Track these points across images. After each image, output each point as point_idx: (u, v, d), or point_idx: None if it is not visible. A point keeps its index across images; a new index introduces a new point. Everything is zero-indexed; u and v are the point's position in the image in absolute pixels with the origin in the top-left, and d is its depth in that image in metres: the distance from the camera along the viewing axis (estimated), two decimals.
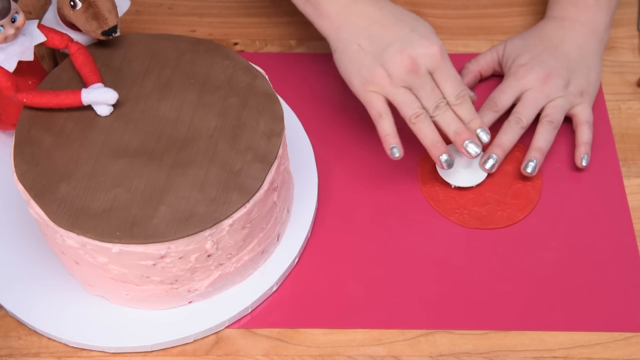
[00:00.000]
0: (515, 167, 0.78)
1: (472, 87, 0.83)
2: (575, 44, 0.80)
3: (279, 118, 0.67)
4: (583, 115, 0.78)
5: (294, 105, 0.81)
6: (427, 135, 0.72)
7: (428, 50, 0.70)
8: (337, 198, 0.76)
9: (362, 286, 0.71)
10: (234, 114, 0.67)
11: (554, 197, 0.77)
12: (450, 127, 0.72)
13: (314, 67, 0.85)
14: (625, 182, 0.78)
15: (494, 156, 0.76)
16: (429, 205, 0.76)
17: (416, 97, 0.71)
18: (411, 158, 0.79)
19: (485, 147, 0.76)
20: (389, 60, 0.71)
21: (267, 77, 0.70)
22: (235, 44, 0.88)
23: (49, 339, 0.69)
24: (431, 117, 0.72)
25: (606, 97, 0.83)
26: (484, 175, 0.76)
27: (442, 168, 0.73)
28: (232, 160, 0.65)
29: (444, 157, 0.72)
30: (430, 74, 0.71)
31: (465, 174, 0.76)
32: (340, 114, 0.82)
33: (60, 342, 0.68)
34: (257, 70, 0.70)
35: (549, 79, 0.77)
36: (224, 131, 0.66)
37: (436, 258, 0.73)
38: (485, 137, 0.72)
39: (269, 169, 0.65)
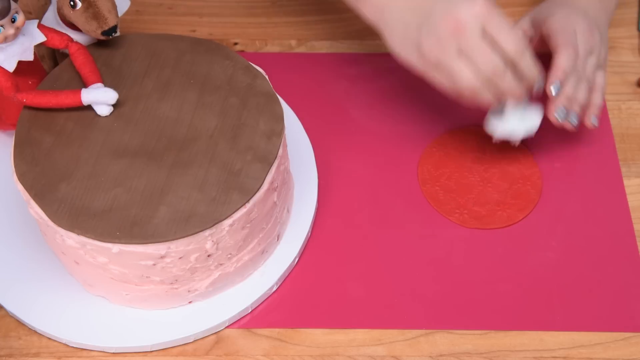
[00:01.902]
0: (515, 167, 0.78)
1: None
2: (594, 12, 0.78)
3: (279, 118, 0.67)
4: (601, 81, 0.76)
5: (294, 105, 0.81)
6: (487, 102, 0.69)
7: (470, 8, 0.66)
8: (337, 198, 0.76)
9: (362, 286, 0.72)
10: (234, 114, 0.67)
11: (554, 197, 0.77)
12: (510, 92, 0.69)
13: (314, 67, 0.85)
14: (625, 182, 0.78)
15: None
16: (429, 205, 0.76)
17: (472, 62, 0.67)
18: (411, 158, 0.79)
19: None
20: (434, 28, 0.67)
21: (267, 77, 0.70)
22: (235, 44, 0.88)
23: (49, 339, 0.69)
24: (490, 85, 0.68)
25: (606, 97, 0.83)
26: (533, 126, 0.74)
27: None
28: (232, 160, 0.65)
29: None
30: (484, 32, 0.67)
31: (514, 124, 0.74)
32: (340, 114, 0.82)
33: (60, 342, 0.68)
34: (257, 70, 0.70)
35: (592, 31, 0.75)
36: (224, 131, 0.66)
37: (436, 258, 0.73)
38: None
39: (269, 169, 0.65)
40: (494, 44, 0.67)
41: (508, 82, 0.68)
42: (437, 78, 0.69)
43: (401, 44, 0.70)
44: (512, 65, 0.68)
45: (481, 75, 0.67)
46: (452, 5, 0.67)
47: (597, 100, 0.75)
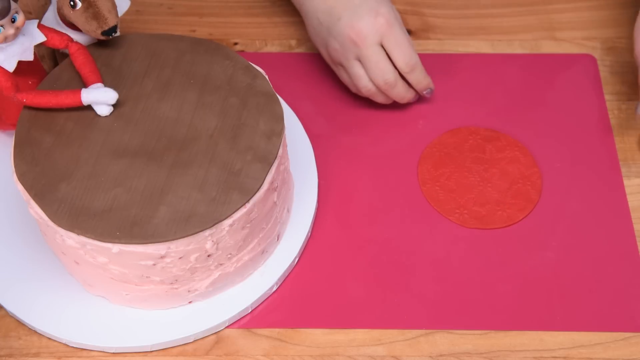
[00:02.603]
0: (515, 167, 0.78)
1: None
2: None
3: (279, 118, 0.67)
4: None
5: (294, 105, 0.81)
6: (381, 101, 0.79)
7: (373, 21, 0.73)
8: (337, 198, 0.76)
9: (362, 286, 0.72)
10: (234, 114, 0.67)
11: (554, 197, 0.77)
12: (399, 98, 0.78)
13: (314, 67, 0.85)
14: (625, 182, 0.78)
15: None
16: (429, 205, 0.76)
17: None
18: (411, 158, 0.79)
19: None
20: (338, 34, 0.74)
21: (267, 77, 0.70)
22: (235, 44, 0.88)
23: (49, 339, 0.69)
24: (382, 91, 0.77)
25: (606, 97, 0.84)
26: None
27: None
28: (232, 160, 0.65)
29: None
30: (382, 45, 0.74)
31: None
32: (340, 114, 0.82)
33: (60, 342, 0.68)
34: (257, 70, 0.70)
35: None
36: (224, 131, 0.66)
37: (436, 258, 0.73)
38: (428, 95, 0.78)
39: (269, 169, 0.65)
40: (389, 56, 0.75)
41: (397, 91, 0.77)
42: (340, 74, 0.79)
43: (313, 37, 0.79)
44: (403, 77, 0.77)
45: (374, 83, 0.76)
46: (357, 16, 0.74)
47: None
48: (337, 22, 0.74)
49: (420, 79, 0.77)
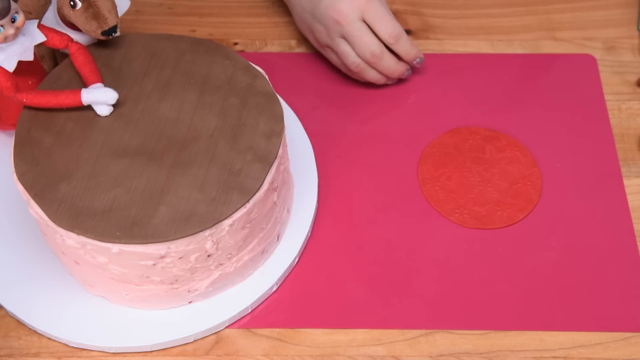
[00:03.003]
0: (515, 167, 0.78)
1: None
2: None
3: (279, 118, 0.67)
4: None
5: (294, 105, 0.81)
6: (374, 78, 0.80)
7: (351, 0, 0.76)
8: (337, 198, 0.76)
9: (362, 286, 0.72)
10: (234, 114, 0.67)
11: (554, 197, 0.77)
12: (390, 71, 0.79)
13: (314, 67, 0.85)
14: (625, 182, 0.78)
15: None
16: (429, 205, 0.76)
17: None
18: (411, 158, 0.79)
19: None
20: (321, 16, 0.77)
21: (267, 77, 0.70)
22: (235, 44, 0.88)
23: (49, 339, 0.69)
24: (370, 65, 0.79)
25: (606, 97, 0.84)
26: None
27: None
28: (232, 160, 0.65)
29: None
30: (364, 21, 0.76)
31: None
32: (340, 113, 0.82)
33: (60, 342, 0.68)
34: (257, 70, 0.70)
35: None
36: (224, 131, 0.66)
37: (436, 258, 0.73)
38: (419, 64, 0.80)
39: (269, 169, 0.65)
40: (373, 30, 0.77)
41: (386, 63, 0.79)
42: (329, 56, 0.81)
43: (299, 24, 0.83)
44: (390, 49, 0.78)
45: (362, 57, 0.78)
46: None
47: None
48: (318, 5, 0.77)
49: (407, 48, 0.79)
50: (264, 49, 0.88)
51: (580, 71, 0.86)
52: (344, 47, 0.78)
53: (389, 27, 0.77)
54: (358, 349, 0.68)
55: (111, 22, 0.68)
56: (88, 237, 0.61)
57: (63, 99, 0.66)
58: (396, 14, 0.85)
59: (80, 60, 0.68)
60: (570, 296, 0.71)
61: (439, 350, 0.68)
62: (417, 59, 0.80)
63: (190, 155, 0.65)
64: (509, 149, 0.79)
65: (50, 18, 0.72)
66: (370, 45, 0.77)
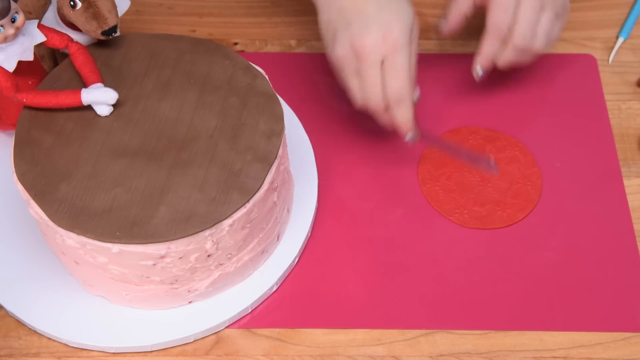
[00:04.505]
0: (515, 167, 0.78)
1: (459, 29, 0.80)
2: None
3: (279, 118, 0.67)
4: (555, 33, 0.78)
5: (294, 105, 0.81)
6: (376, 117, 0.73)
7: (380, 38, 0.68)
8: (337, 198, 0.76)
9: (362, 286, 0.72)
10: (234, 114, 0.67)
11: (554, 197, 0.77)
12: (386, 125, 0.73)
13: (314, 67, 0.85)
14: (625, 182, 0.78)
15: None
16: (429, 205, 0.76)
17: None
18: (411, 158, 0.79)
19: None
20: (342, 42, 0.70)
21: (267, 77, 0.70)
22: (235, 44, 0.88)
23: (49, 339, 0.69)
24: (366, 108, 0.72)
25: (606, 97, 0.84)
26: None
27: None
28: (232, 160, 0.65)
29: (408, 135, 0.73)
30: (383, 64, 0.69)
31: None
32: (340, 113, 0.82)
33: (60, 342, 0.68)
34: (257, 70, 0.70)
35: None
36: (224, 131, 0.66)
37: (436, 258, 0.73)
38: (410, 141, 0.73)
39: (269, 169, 0.65)
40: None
41: (384, 119, 0.72)
42: (339, 77, 0.73)
43: (322, 31, 0.73)
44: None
45: (365, 100, 0.71)
46: (367, 27, 0.68)
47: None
48: (345, 27, 0.69)
49: (404, 117, 0.71)
50: (264, 49, 0.88)
51: (580, 71, 0.86)
52: (353, 83, 0.71)
53: (397, 86, 0.69)
54: (358, 349, 0.68)
55: (111, 22, 0.68)
56: (88, 237, 0.61)
57: (63, 99, 0.66)
58: None
59: (80, 60, 0.68)
60: (570, 296, 0.71)
61: (439, 350, 0.68)
62: (409, 134, 0.72)
63: (190, 155, 0.65)
64: (509, 149, 0.79)
65: (50, 18, 0.72)
66: (376, 95, 0.70)
